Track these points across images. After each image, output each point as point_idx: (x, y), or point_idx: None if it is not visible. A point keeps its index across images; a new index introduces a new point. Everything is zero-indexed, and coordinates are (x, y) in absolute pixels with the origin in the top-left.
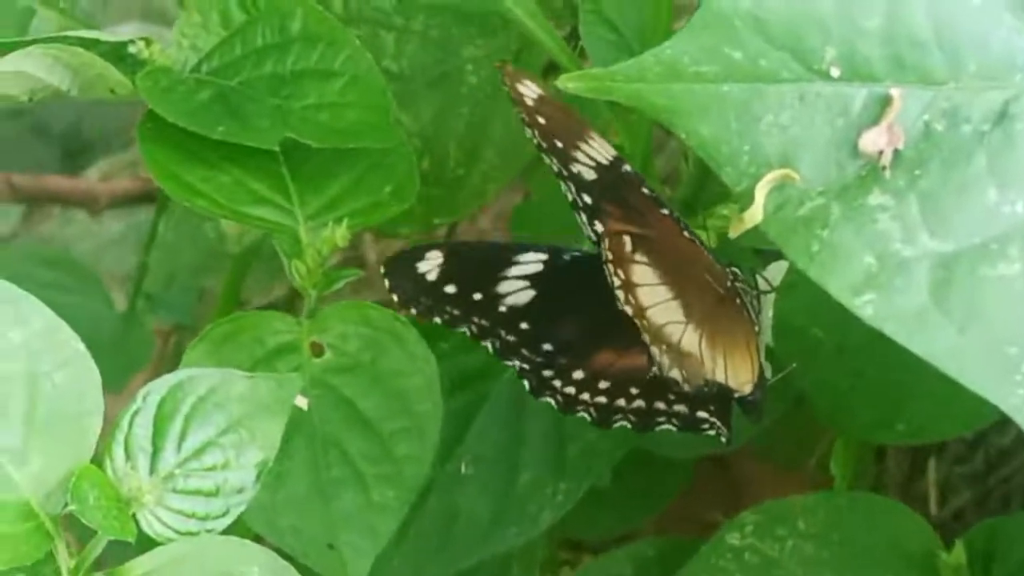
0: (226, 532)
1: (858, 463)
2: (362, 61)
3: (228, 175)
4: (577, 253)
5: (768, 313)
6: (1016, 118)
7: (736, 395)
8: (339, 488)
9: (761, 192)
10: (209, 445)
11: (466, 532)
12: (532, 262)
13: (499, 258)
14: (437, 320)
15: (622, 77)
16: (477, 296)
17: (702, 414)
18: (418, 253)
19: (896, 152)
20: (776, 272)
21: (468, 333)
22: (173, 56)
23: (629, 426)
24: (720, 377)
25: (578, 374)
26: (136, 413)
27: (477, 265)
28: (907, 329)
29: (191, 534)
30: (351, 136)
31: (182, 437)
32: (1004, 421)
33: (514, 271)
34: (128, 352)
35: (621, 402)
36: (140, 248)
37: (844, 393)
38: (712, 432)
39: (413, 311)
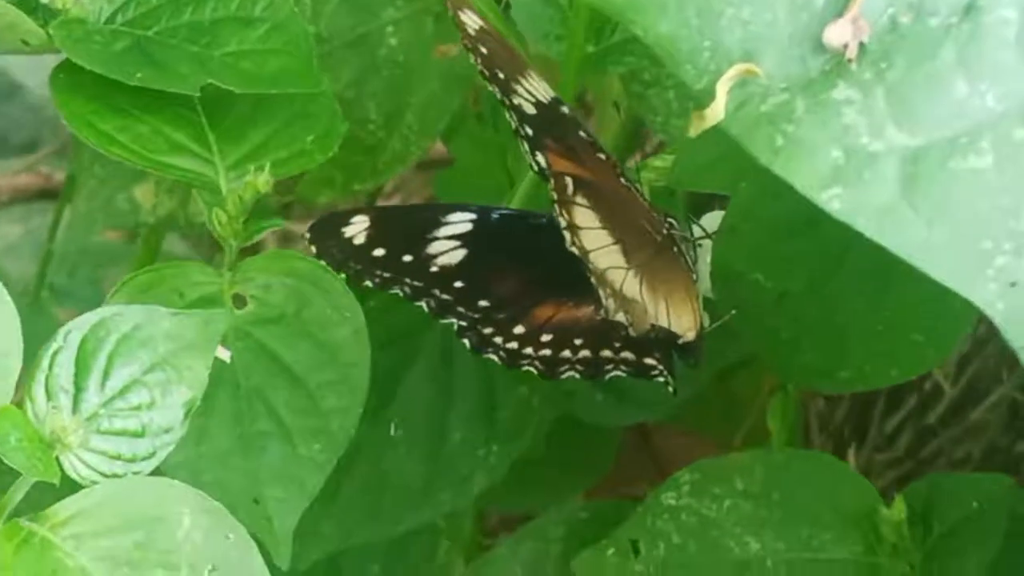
0: None
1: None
2: (284, 7)
3: (146, 124)
4: (506, 211)
5: (706, 261)
6: (984, 10)
7: (680, 341)
8: (264, 441)
9: (722, 89)
10: (134, 384)
11: (397, 496)
12: (461, 222)
13: (427, 220)
14: (368, 283)
15: None
16: (407, 258)
17: (649, 360)
18: (343, 218)
19: (862, 45)
20: (712, 222)
21: (401, 294)
22: (87, 6)
23: (578, 376)
24: (664, 322)
25: (519, 329)
26: (57, 352)
27: (405, 228)
28: (876, 223)
29: (117, 476)
30: (274, 82)
31: (105, 376)
32: (932, 396)
33: (444, 231)
34: (33, 342)
35: (566, 353)
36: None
37: (786, 340)
38: (660, 379)
39: (343, 276)
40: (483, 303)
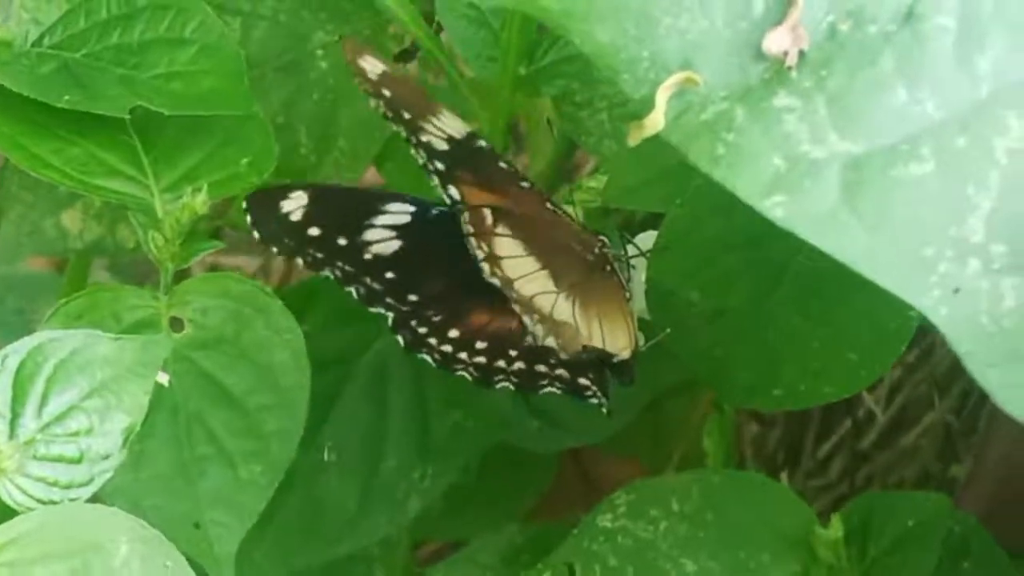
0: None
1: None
2: (214, 28)
3: (79, 147)
4: (445, 209)
5: (640, 279)
6: (923, 18)
7: (614, 360)
8: (204, 465)
9: (662, 98)
10: (72, 410)
11: (332, 521)
12: (399, 212)
13: (366, 205)
14: (299, 261)
15: None
16: (342, 241)
17: (583, 381)
18: (282, 192)
19: (801, 53)
20: (647, 241)
21: (332, 277)
22: (13, 30)
23: (512, 387)
24: (598, 343)
25: (453, 332)
26: None
27: (343, 210)
28: (818, 230)
29: (53, 503)
30: (205, 104)
31: (43, 401)
32: (865, 421)
33: (381, 220)
34: None
35: (501, 363)
36: None
37: (721, 358)
38: (594, 400)
39: (275, 250)
40: (413, 297)
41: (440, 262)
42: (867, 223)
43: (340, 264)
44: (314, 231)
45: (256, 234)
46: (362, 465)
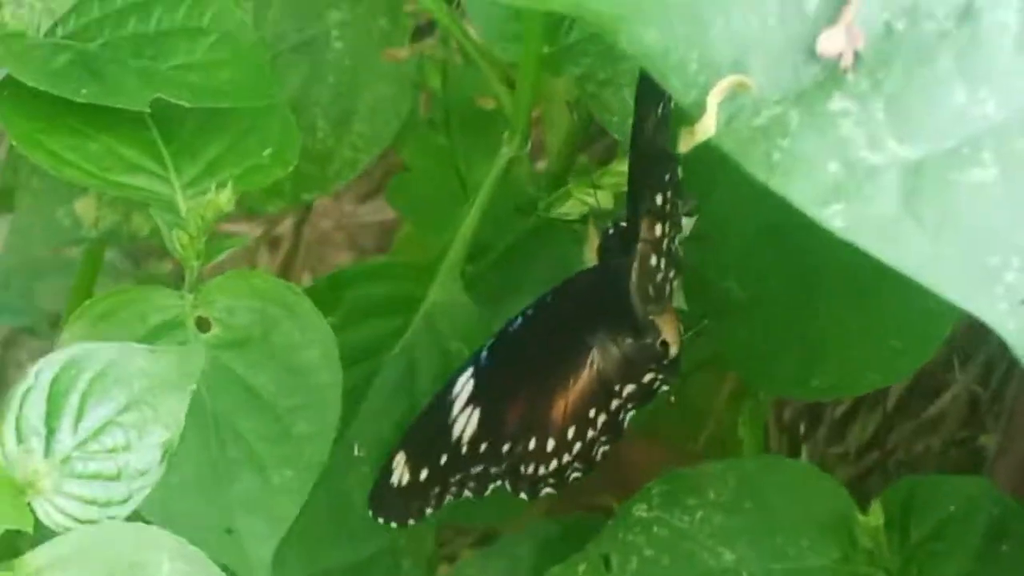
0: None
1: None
2: (232, 17)
3: (97, 142)
4: (493, 341)
5: None
6: (982, 14)
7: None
8: (235, 470)
9: (713, 102)
10: (108, 424)
11: (361, 518)
12: (463, 386)
13: (441, 408)
14: (429, 511)
15: None
16: (444, 458)
17: (648, 377)
18: (385, 473)
19: (856, 54)
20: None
21: (452, 498)
22: (26, 19)
23: (607, 447)
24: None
25: (551, 445)
26: (28, 392)
27: (428, 432)
28: (880, 240)
29: (92, 522)
30: (225, 95)
31: (79, 417)
32: (886, 390)
33: (456, 407)
34: None
35: (591, 433)
36: None
37: (759, 349)
38: (664, 388)
39: (412, 521)
40: (506, 447)
41: (510, 396)
42: (929, 232)
43: (450, 480)
44: (423, 473)
45: (393, 524)
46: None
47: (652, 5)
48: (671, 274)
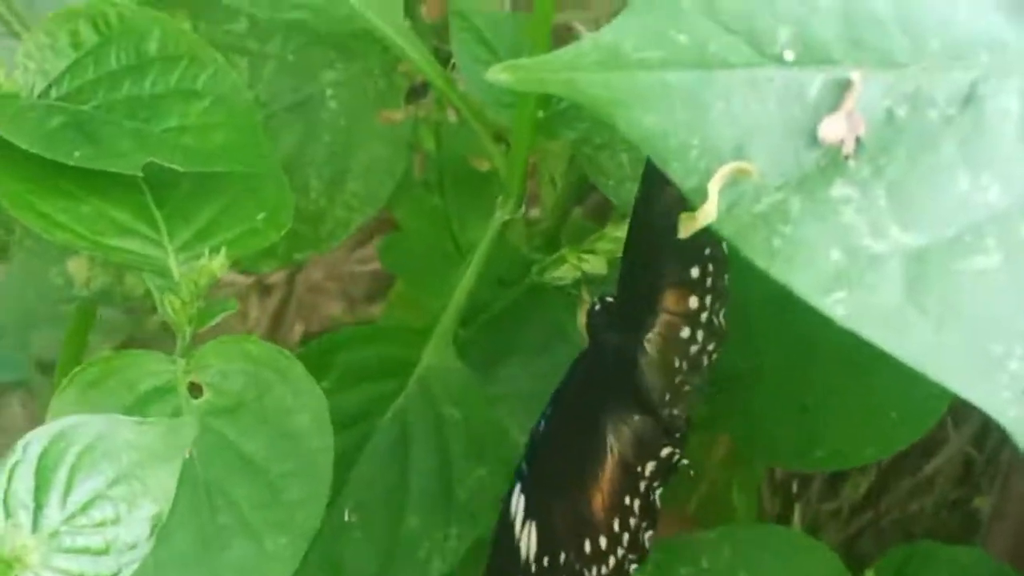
0: None
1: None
2: (227, 80)
3: (88, 205)
4: (525, 451)
5: None
6: (985, 100)
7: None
8: (227, 537)
9: (714, 188)
10: (97, 498)
11: None
12: (518, 500)
13: (506, 532)
14: None
15: (556, 65)
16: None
17: (665, 452)
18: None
19: (858, 140)
20: None
21: None
22: (20, 81)
23: (650, 531)
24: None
25: (603, 543)
26: (16, 466)
27: (505, 559)
28: (883, 329)
29: None
30: (219, 159)
31: (67, 491)
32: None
33: (517, 527)
34: None
35: (633, 520)
36: None
37: (760, 419)
38: (683, 462)
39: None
40: (563, 556)
41: (552, 499)
42: (932, 320)
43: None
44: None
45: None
46: (383, 526)
47: (651, 90)
48: (711, 346)
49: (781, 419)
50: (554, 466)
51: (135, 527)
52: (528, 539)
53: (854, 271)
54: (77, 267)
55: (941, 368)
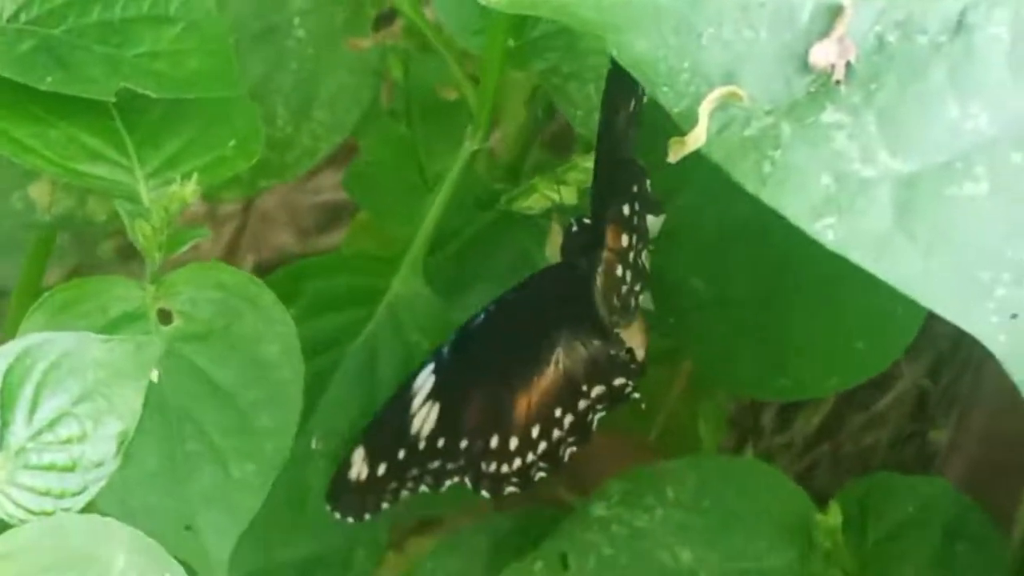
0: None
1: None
2: (199, 5)
3: (58, 130)
4: (455, 337)
5: None
6: (975, 28)
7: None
8: (195, 464)
9: (704, 112)
10: (63, 416)
11: (319, 512)
12: (425, 379)
13: (401, 404)
14: (385, 506)
15: None
16: (401, 454)
17: (618, 381)
18: (344, 468)
19: (849, 66)
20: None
21: (408, 494)
22: None
23: (575, 448)
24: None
25: (514, 443)
26: None
27: (390, 425)
28: (872, 254)
29: (46, 513)
30: (192, 85)
31: (33, 408)
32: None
33: (416, 402)
34: None
35: (556, 432)
36: None
37: (724, 348)
38: (635, 395)
39: (368, 517)
40: (464, 444)
41: (471, 389)
42: (921, 246)
43: (407, 475)
44: (381, 469)
45: (350, 519)
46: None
47: (644, 14)
48: (637, 287)
49: (745, 348)
50: (482, 360)
51: (101, 445)
52: (425, 418)
53: (844, 196)
54: (39, 191)
55: (930, 294)
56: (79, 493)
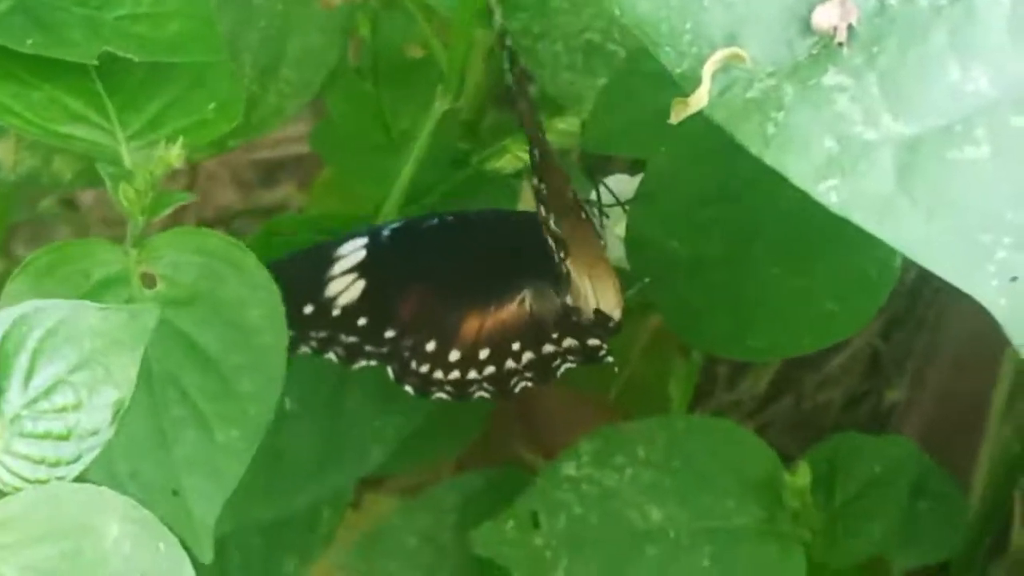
0: None
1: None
2: None
3: (40, 91)
4: (397, 225)
5: (618, 230)
6: None
7: (610, 320)
8: (180, 429)
9: (707, 73)
10: (59, 383)
11: (292, 473)
12: (353, 251)
13: (321, 260)
14: (305, 349)
15: None
16: (308, 309)
17: (592, 342)
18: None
19: (851, 28)
20: (617, 186)
21: (309, 351)
22: None
23: (531, 384)
24: (594, 303)
25: (455, 355)
26: None
27: (301, 276)
28: (875, 216)
29: (41, 482)
30: (174, 48)
31: (29, 375)
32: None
33: (339, 267)
34: None
35: (511, 364)
36: None
37: (698, 308)
38: (609, 358)
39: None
40: (390, 333)
41: (410, 284)
42: (923, 209)
43: (313, 334)
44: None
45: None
46: (324, 415)
47: None
48: (561, 254)
49: (718, 307)
50: (428, 263)
51: (96, 413)
52: (346, 288)
53: (847, 158)
54: (4, 150)
55: (931, 257)
56: (74, 461)
